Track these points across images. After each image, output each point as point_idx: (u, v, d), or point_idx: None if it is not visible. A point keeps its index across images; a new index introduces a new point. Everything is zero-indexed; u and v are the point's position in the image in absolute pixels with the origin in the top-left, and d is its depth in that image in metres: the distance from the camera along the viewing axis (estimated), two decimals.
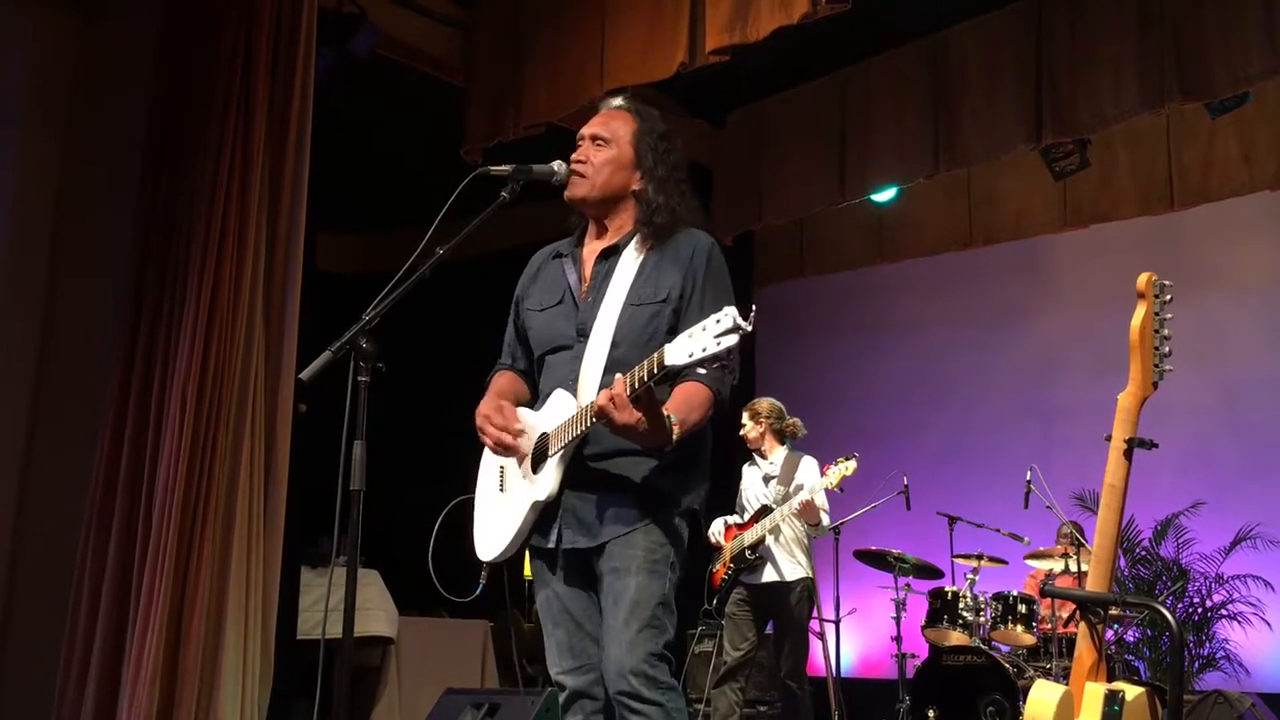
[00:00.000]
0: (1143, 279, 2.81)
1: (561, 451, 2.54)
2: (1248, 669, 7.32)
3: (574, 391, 2.58)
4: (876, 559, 6.41)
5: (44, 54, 5.46)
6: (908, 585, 6.43)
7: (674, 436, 2.43)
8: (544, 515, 2.61)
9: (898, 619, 6.31)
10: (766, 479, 5.69)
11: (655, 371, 2.28)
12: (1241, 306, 7.87)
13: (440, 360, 8.63)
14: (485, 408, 2.68)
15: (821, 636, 6.12)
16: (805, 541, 5.58)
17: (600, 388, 2.45)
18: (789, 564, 5.50)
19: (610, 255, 2.72)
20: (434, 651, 6.75)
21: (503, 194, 2.84)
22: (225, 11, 4.96)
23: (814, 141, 7.18)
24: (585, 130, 2.80)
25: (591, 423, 2.43)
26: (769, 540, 5.49)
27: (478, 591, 3.29)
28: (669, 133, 2.82)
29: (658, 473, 2.56)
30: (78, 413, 5.10)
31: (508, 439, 2.61)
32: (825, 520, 5.56)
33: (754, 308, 2.24)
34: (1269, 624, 7.37)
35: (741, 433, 5.76)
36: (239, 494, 4.55)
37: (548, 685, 5.10)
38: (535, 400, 2.78)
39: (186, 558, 4.43)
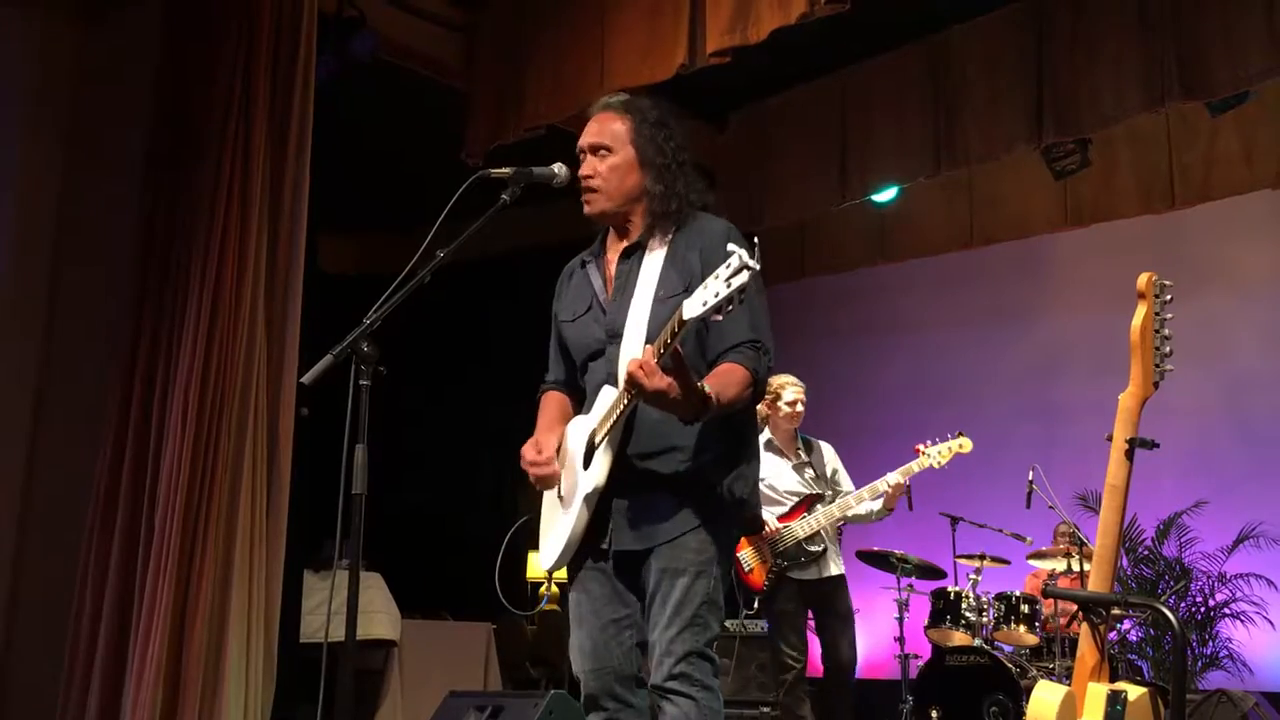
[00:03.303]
0: (1143, 279, 2.81)
1: (607, 439, 2.57)
2: (1251, 668, 7.32)
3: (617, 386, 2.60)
4: (879, 559, 6.41)
5: (45, 58, 5.46)
6: (910, 586, 6.43)
7: (710, 406, 2.43)
8: (596, 518, 2.63)
9: (900, 619, 6.31)
10: (799, 467, 5.48)
11: (677, 329, 2.31)
12: (1243, 305, 7.87)
13: (442, 362, 8.66)
14: (525, 447, 2.75)
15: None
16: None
17: None
18: (837, 558, 5.39)
19: (632, 254, 2.74)
20: (437, 654, 6.76)
21: (503, 197, 2.85)
22: (226, 16, 4.96)
23: (814, 142, 7.17)
24: (583, 143, 2.78)
25: (628, 401, 2.47)
26: (824, 533, 5.28)
27: (543, 604, 3.43)
28: (663, 117, 2.81)
29: (707, 468, 2.60)
30: (80, 416, 5.10)
31: (539, 471, 2.70)
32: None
33: (756, 240, 2.26)
34: (1272, 623, 7.37)
35: (798, 409, 5.47)
36: (241, 497, 4.54)
37: (550, 688, 5.11)
38: (582, 408, 2.83)
39: (189, 561, 4.43)
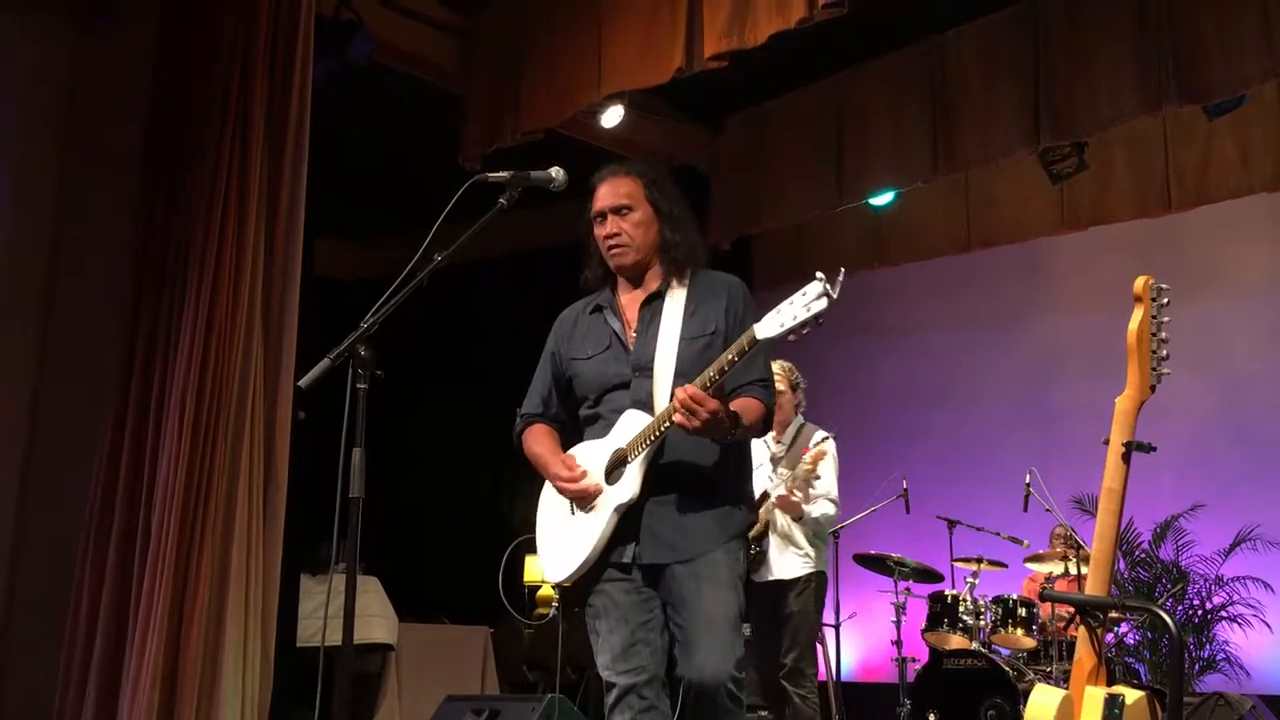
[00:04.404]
0: (1140, 282, 2.82)
1: (643, 455, 2.77)
2: (1248, 671, 7.32)
3: (650, 412, 2.83)
4: (876, 563, 6.41)
5: (42, 60, 5.46)
6: (907, 589, 6.42)
7: (738, 430, 2.75)
8: (620, 530, 2.81)
9: (898, 623, 6.31)
10: (773, 460, 5.13)
11: (747, 348, 2.56)
12: (1240, 308, 7.88)
13: (440, 365, 8.65)
14: (556, 469, 2.92)
15: (821, 640, 6.10)
16: (812, 531, 4.99)
17: None
18: (790, 560, 4.96)
19: (653, 300, 2.98)
20: (434, 658, 6.75)
21: (500, 200, 2.87)
22: (222, 18, 4.96)
23: (812, 145, 7.18)
24: (603, 206, 2.99)
25: (669, 424, 2.68)
26: (772, 532, 4.97)
27: (550, 614, 3.65)
28: (661, 174, 3.10)
29: (726, 482, 2.89)
30: (77, 420, 5.09)
31: (576, 487, 2.85)
32: (814, 511, 4.95)
33: (842, 270, 2.41)
34: (1269, 626, 7.37)
35: (780, 401, 4.86)
36: (238, 501, 4.54)
37: (547, 692, 5.10)
38: (564, 439, 3.06)
39: (186, 565, 4.42)
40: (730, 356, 2.60)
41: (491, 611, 8.04)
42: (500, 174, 2.87)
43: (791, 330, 2.41)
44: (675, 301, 2.95)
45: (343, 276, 8.15)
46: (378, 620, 6.31)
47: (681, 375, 2.80)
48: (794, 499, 4.90)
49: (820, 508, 5.01)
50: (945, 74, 6.58)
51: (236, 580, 4.48)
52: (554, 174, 2.92)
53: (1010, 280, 8.69)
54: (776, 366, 5.16)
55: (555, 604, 4.66)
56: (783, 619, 4.98)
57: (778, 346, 2.57)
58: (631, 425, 2.83)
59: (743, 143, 7.66)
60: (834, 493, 5.04)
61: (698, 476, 2.84)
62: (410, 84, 6.50)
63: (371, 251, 8.70)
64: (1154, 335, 2.78)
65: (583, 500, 2.87)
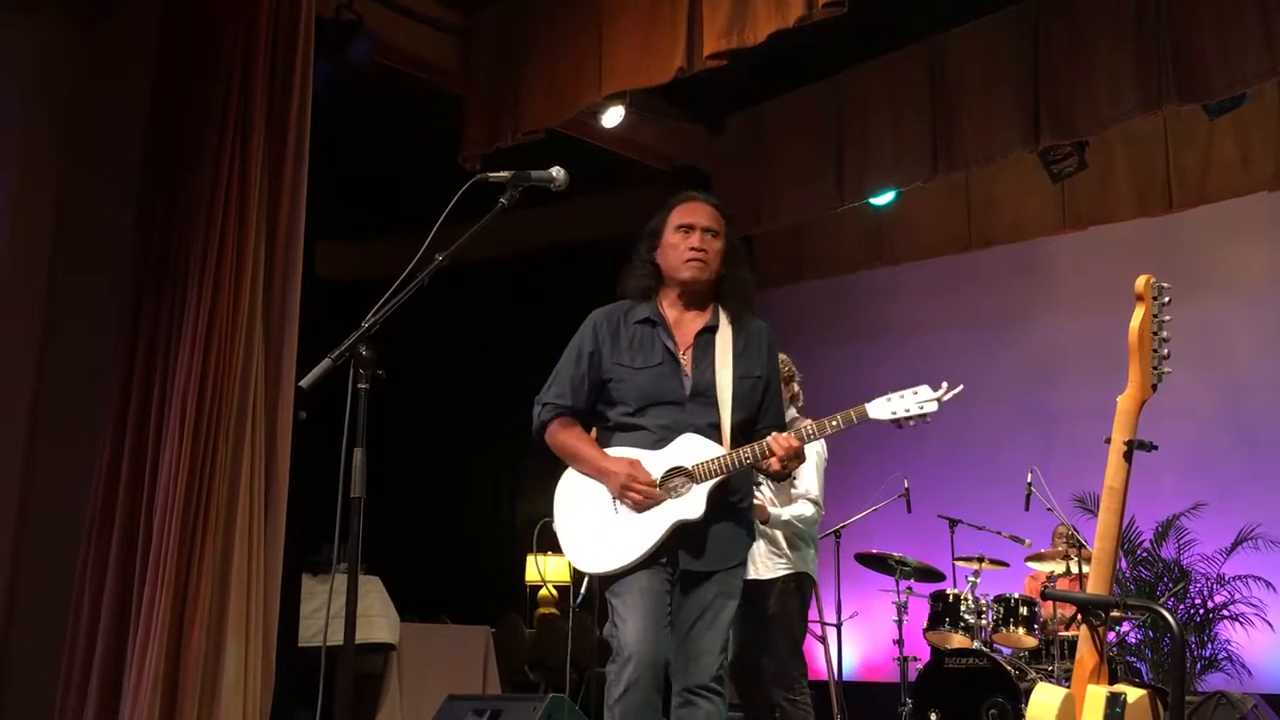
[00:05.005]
0: (1141, 281, 2.81)
1: (714, 481, 3.04)
2: (1250, 670, 7.32)
3: (716, 439, 3.10)
4: (878, 562, 6.40)
5: (43, 61, 5.46)
6: (909, 588, 6.42)
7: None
8: (672, 537, 3.05)
9: (899, 622, 6.31)
10: None
11: (855, 421, 3.05)
12: (1241, 307, 7.87)
13: (441, 366, 8.66)
14: (622, 467, 3.09)
15: (823, 640, 6.09)
16: (791, 532, 4.72)
17: (731, 441, 3.10)
18: (768, 560, 4.69)
19: (708, 332, 3.22)
20: (436, 658, 6.75)
21: (501, 200, 2.87)
22: (223, 20, 4.95)
23: (812, 145, 7.18)
24: (697, 221, 3.25)
25: (748, 461, 3.04)
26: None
27: (579, 602, 4.57)
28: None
29: (750, 503, 3.28)
30: (77, 422, 5.09)
31: (652, 497, 3.06)
32: (787, 513, 4.67)
33: (961, 386, 2.95)
34: (1270, 624, 7.37)
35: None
36: (239, 502, 4.53)
37: (549, 691, 5.11)
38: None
39: (187, 567, 4.42)
40: (837, 423, 3.02)
41: (492, 611, 8.05)
42: (501, 174, 2.88)
43: (898, 420, 2.99)
44: (725, 337, 3.21)
45: (343, 277, 8.16)
46: (379, 620, 6.31)
47: (739, 409, 3.14)
48: (755, 501, 4.38)
49: (798, 508, 4.71)
50: (945, 74, 6.58)
51: (237, 582, 4.47)
52: (555, 174, 2.93)
53: (1010, 280, 8.69)
54: None
55: (582, 595, 4.59)
56: (765, 621, 4.74)
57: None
58: (694, 448, 3.08)
59: (743, 143, 7.66)
60: (814, 493, 4.77)
61: (740, 499, 3.18)
62: (410, 84, 6.49)
63: (372, 252, 8.71)
64: (1155, 334, 2.78)
65: (643, 507, 3.05)
